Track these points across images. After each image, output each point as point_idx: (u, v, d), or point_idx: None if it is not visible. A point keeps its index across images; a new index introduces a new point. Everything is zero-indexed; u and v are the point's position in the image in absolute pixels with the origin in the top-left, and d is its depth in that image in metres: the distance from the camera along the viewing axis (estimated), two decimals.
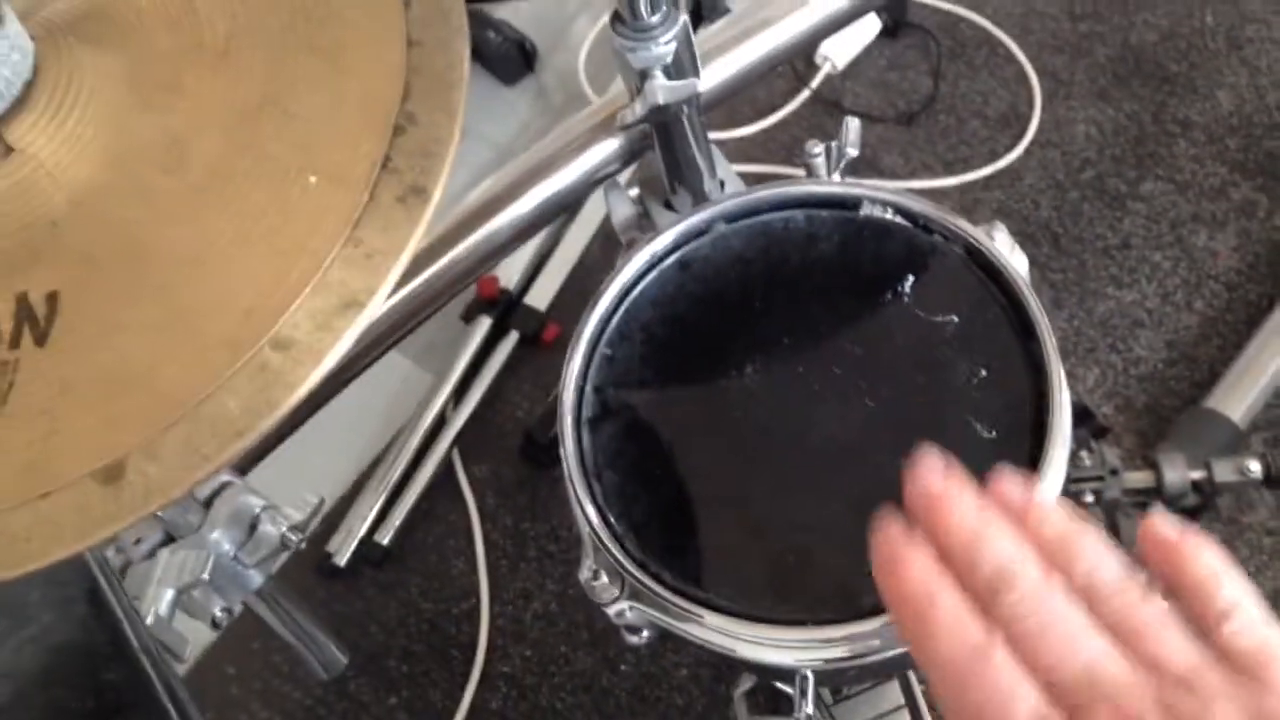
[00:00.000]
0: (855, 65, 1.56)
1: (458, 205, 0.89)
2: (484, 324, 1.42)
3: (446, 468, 1.35)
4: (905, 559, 0.39)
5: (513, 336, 1.42)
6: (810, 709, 0.54)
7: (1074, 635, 0.36)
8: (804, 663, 0.54)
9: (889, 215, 0.60)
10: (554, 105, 1.60)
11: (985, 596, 0.37)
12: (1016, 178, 1.42)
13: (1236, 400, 1.17)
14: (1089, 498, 1.02)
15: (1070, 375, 1.27)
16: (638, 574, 0.54)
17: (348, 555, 1.28)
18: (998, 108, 1.49)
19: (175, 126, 0.39)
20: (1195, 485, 1.03)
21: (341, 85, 0.39)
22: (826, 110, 1.53)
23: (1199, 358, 1.25)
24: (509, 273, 1.45)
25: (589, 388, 0.59)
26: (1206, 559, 0.39)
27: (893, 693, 1.03)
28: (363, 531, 1.29)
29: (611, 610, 0.55)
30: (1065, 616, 0.36)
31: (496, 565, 1.27)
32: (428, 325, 1.49)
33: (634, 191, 0.90)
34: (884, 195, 0.60)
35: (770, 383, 0.58)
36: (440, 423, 1.37)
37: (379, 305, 0.36)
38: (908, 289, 0.58)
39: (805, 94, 1.54)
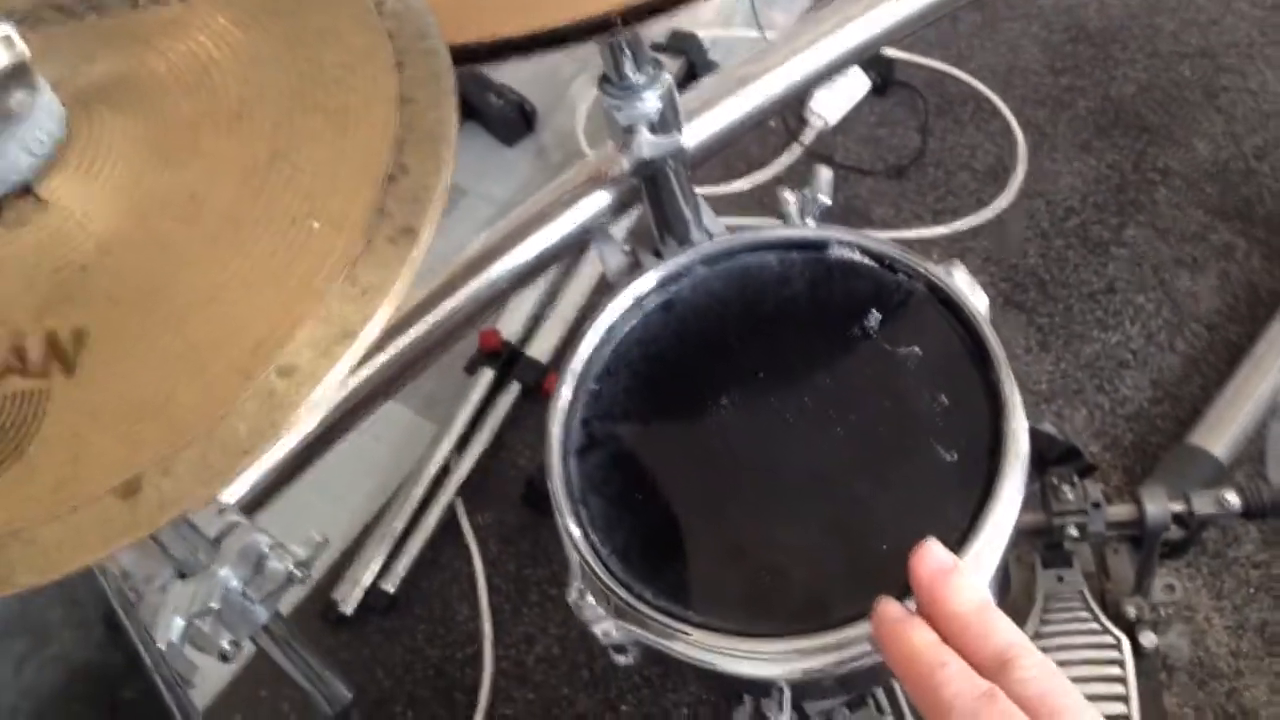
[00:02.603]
0: (846, 122, 1.61)
1: (457, 256, 0.93)
2: (486, 376, 1.46)
3: (450, 516, 1.38)
4: (913, 626, 0.48)
5: (514, 388, 1.46)
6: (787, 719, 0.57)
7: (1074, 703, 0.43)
8: (781, 674, 0.57)
9: (856, 256, 0.64)
10: (553, 164, 1.66)
11: (992, 667, 0.45)
12: (1003, 227, 1.47)
13: (1219, 436, 1.20)
14: (1073, 531, 1.05)
15: (1058, 416, 1.31)
16: (622, 593, 0.57)
17: (354, 604, 1.31)
18: (984, 160, 1.54)
19: (192, 181, 0.43)
20: (1178, 518, 1.05)
21: (342, 140, 0.43)
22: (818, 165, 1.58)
23: (1183, 396, 1.28)
24: (511, 326, 1.49)
25: (576, 420, 0.63)
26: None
27: None
28: (368, 580, 1.33)
29: (598, 629, 0.59)
30: (1063, 686, 0.44)
31: (500, 610, 1.30)
32: (431, 378, 1.54)
33: (626, 244, 0.95)
34: (851, 237, 0.64)
35: (747, 414, 0.61)
36: (444, 472, 1.41)
37: (373, 334, 0.40)
38: (874, 324, 0.62)
39: (797, 150, 1.59)
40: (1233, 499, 1.03)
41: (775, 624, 0.56)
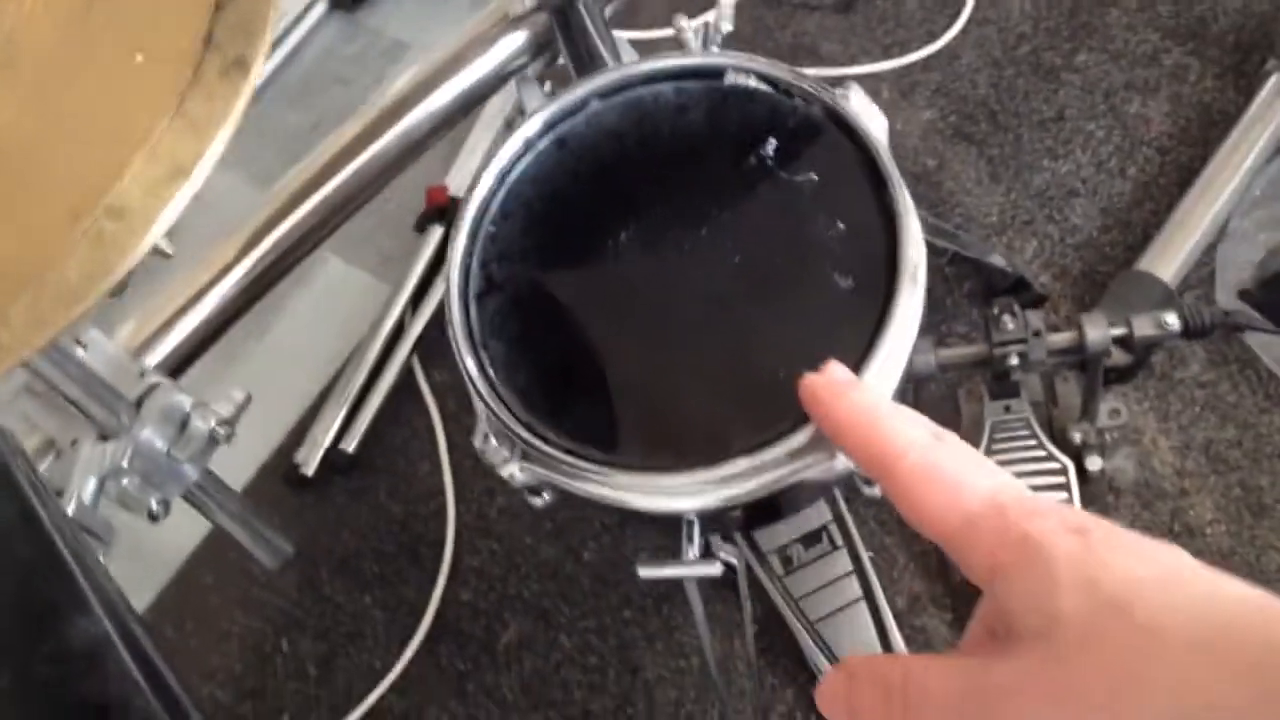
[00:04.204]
0: None
1: (372, 103, 0.91)
2: (436, 233, 1.44)
3: (407, 374, 1.38)
4: (849, 385, 0.47)
5: None
6: (696, 552, 0.58)
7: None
8: (688, 507, 0.57)
9: (752, 82, 0.62)
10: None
11: None
12: (954, 58, 1.43)
13: (1167, 261, 1.19)
14: (1014, 360, 1.05)
15: (1009, 247, 1.29)
16: (525, 435, 0.57)
17: (315, 465, 1.32)
18: None
19: (10, 27, 0.41)
20: (1120, 341, 1.05)
21: None
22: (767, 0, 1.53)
23: (1133, 222, 1.27)
24: (458, 181, 1.47)
25: (474, 264, 0.62)
26: None
27: (842, 560, 1.08)
28: (328, 441, 1.33)
29: (504, 472, 0.59)
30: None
31: (460, 465, 1.31)
32: (382, 238, 1.52)
33: (547, 86, 0.92)
34: (747, 63, 0.62)
35: (644, 249, 0.60)
36: (399, 331, 1.40)
37: (206, 171, 0.38)
38: (770, 151, 0.61)
39: None
40: (1172, 320, 1.03)
41: (677, 458, 0.56)
